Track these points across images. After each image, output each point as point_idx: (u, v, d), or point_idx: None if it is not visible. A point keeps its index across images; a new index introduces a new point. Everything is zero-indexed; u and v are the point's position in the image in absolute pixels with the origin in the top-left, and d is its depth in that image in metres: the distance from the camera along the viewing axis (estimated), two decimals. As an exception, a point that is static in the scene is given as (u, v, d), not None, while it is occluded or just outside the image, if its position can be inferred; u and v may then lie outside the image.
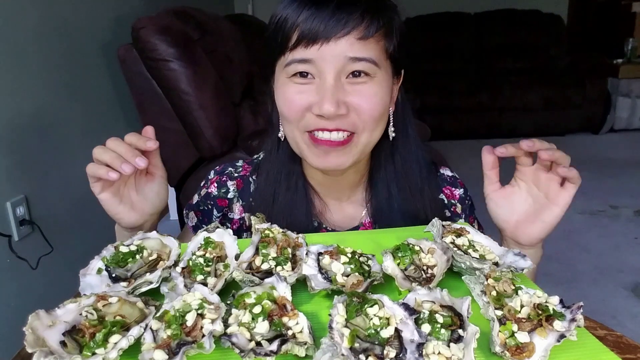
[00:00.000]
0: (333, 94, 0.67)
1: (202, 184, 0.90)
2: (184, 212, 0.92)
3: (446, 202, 0.89)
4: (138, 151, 0.67)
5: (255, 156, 0.91)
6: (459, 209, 0.89)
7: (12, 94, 1.58)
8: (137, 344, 0.43)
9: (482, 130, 4.67)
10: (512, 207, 0.74)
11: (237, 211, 0.86)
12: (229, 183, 0.87)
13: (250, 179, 0.87)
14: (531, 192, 0.72)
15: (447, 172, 0.91)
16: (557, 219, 0.71)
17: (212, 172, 0.89)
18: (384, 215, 0.83)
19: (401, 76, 0.80)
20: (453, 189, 0.90)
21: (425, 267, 0.57)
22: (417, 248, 0.59)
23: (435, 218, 0.67)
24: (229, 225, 0.87)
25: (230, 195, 0.86)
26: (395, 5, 0.74)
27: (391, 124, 0.79)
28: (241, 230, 0.86)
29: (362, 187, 0.86)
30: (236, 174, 0.88)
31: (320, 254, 0.59)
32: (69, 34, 1.92)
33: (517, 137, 4.61)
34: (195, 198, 0.89)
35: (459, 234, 0.63)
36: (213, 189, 0.87)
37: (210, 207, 0.87)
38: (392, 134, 0.79)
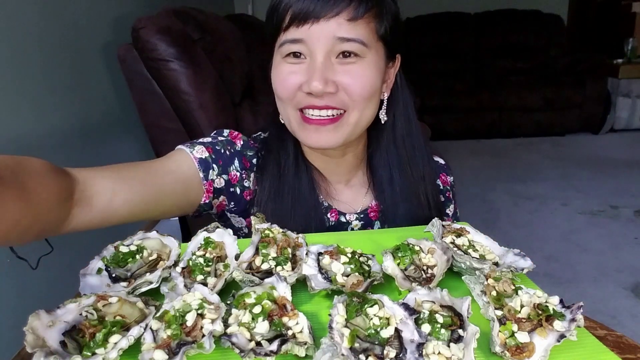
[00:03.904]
0: (322, 72, 0.70)
1: (214, 133, 0.84)
2: (179, 147, 0.81)
3: (442, 187, 0.93)
4: None
5: (255, 135, 0.89)
6: (451, 194, 0.95)
7: (11, 93, 1.58)
8: (137, 344, 0.43)
9: (482, 130, 4.67)
10: None
11: (252, 180, 0.83)
12: (251, 152, 0.84)
13: (260, 154, 0.85)
14: None
15: (440, 160, 0.96)
16: None
17: (225, 131, 0.85)
18: (387, 198, 0.85)
19: (397, 61, 0.81)
20: (446, 176, 0.95)
21: (425, 267, 0.57)
22: (417, 248, 0.59)
23: (435, 218, 0.67)
24: (242, 192, 0.82)
25: (254, 161, 0.83)
26: None
27: (384, 108, 0.80)
28: (253, 203, 0.83)
29: (362, 170, 0.89)
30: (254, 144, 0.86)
31: (320, 254, 0.59)
32: (68, 34, 1.92)
33: (517, 137, 4.62)
34: (208, 139, 0.82)
35: (459, 234, 0.63)
36: (239, 143, 0.83)
37: (230, 153, 0.81)
38: (383, 118, 0.81)
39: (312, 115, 0.74)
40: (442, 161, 0.96)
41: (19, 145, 1.59)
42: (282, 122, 0.82)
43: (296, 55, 0.72)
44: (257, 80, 2.49)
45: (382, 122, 0.81)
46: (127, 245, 0.57)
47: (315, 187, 0.83)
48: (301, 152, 0.84)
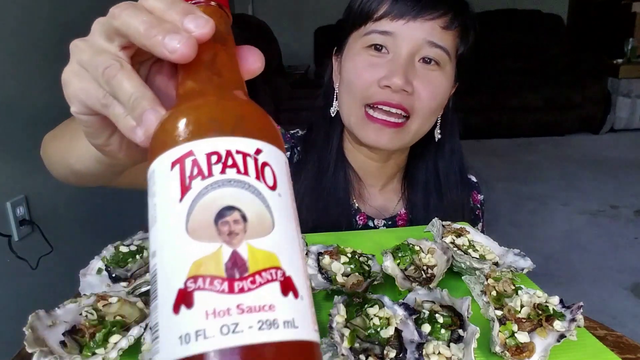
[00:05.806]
0: (405, 69, 0.70)
1: None
2: None
3: (472, 205, 0.92)
4: None
5: (292, 132, 0.90)
6: (480, 212, 0.94)
7: (11, 94, 1.58)
8: (137, 344, 0.42)
9: (482, 130, 4.66)
10: None
11: None
12: (285, 145, 0.84)
13: (296, 149, 0.85)
14: None
15: (473, 178, 0.95)
16: None
17: None
18: (420, 214, 0.84)
19: (456, 86, 0.83)
20: (477, 194, 0.94)
21: (425, 267, 0.57)
22: (417, 248, 0.59)
23: (435, 218, 0.67)
24: None
25: (287, 154, 0.84)
26: (475, 18, 0.77)
27: (438, 126, 0.81)
28: None
29: (397, 179, 0.88)
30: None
31: (320, 254, 0.59)
32: (68, 34, 1.92)
33: (517, 137, 4.61)
34: None
35: (459, 234, 0.63)
36: None
37: None
38: (437, 136, 0.81)
39: (378, 116, 0.72)
40: (474, 179, 0.95)
41: (19, 145, 1.59)
42: (333, 115, 0.81)
43: (377, 48, 0.72)
44: (257, 80, 2.48)
45: (436, 139, 0.81)
46: (127, 245, 0.57)
47: (349, 188, 0.83)
48: (342, 150, 0.84)
